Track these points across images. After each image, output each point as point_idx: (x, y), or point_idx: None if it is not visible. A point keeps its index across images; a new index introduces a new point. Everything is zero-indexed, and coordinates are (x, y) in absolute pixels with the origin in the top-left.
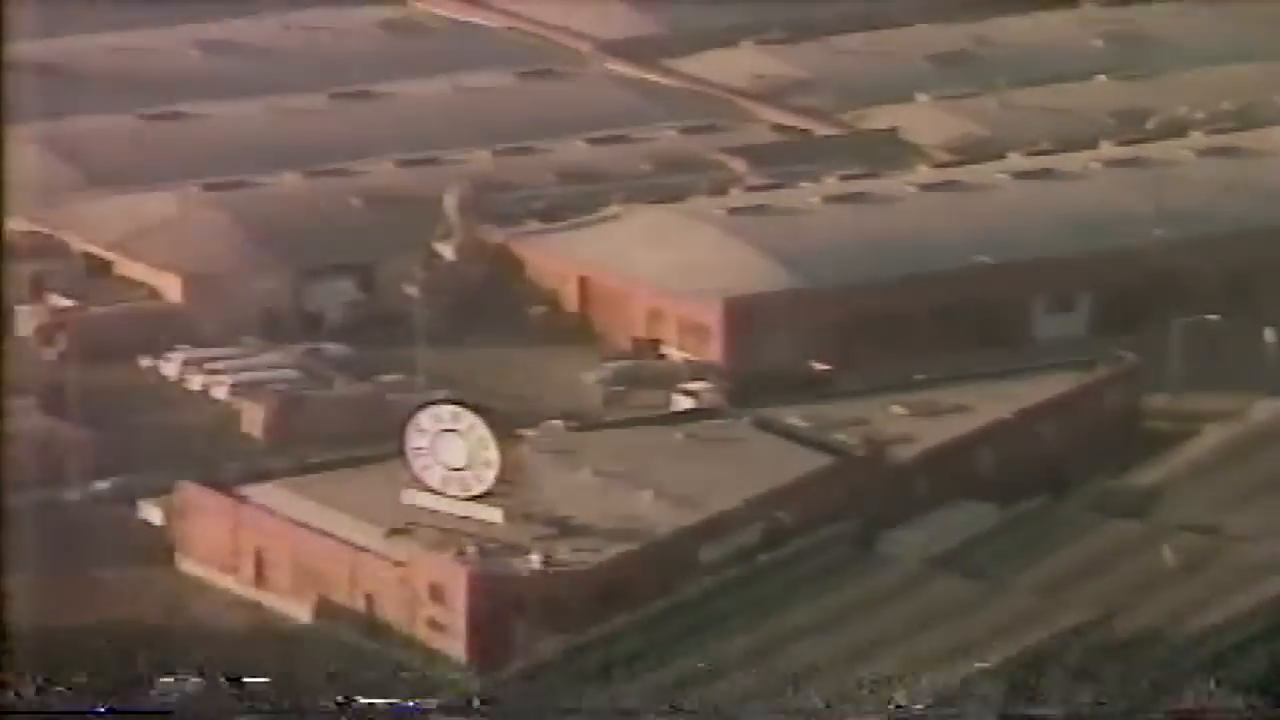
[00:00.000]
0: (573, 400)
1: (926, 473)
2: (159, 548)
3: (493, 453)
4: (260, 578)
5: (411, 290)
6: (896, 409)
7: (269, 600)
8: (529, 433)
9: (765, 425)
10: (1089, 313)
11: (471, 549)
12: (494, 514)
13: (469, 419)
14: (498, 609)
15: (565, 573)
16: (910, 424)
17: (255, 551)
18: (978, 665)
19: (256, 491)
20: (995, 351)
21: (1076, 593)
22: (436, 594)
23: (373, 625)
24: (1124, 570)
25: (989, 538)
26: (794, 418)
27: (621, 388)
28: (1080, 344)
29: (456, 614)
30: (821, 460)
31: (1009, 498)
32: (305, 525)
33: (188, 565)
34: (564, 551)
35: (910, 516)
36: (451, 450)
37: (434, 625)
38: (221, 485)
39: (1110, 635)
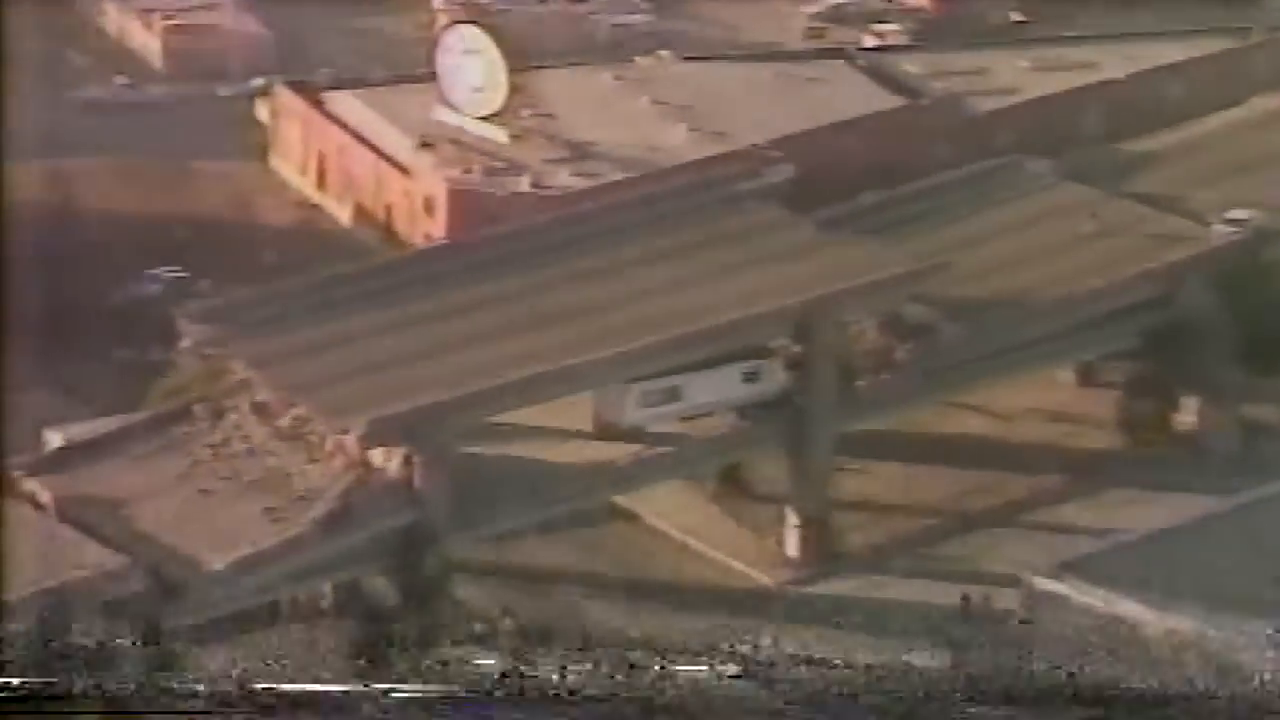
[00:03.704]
0: (779, 32)
1: (1007, 125)
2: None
3: (503, 75)
4: (321, 181)
5: None
6: (1022, 62)
7: (324, 202)
8: (637, 59)
9: (870, 69)
10: None
11: (476, 168)
12: (501, 135)
13: (484, 41)
14: (473, 225)
15: (541, 195)
16: (1024, 77)
17: (319, 155)
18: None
19: (333, 98)
20: (1218, 10)
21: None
22: (429, 207)
23: (390, 234)
24: (1044, 228)
25: (932, 192)
26: (916, 65)
27: (821, 25)
28: None
29: (439, 227)
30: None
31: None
32: (355, 134)
33: (275, 163)
34: (562, 176)
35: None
36: (472, 71)
37: (427, 238)
38: (304, 88)
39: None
